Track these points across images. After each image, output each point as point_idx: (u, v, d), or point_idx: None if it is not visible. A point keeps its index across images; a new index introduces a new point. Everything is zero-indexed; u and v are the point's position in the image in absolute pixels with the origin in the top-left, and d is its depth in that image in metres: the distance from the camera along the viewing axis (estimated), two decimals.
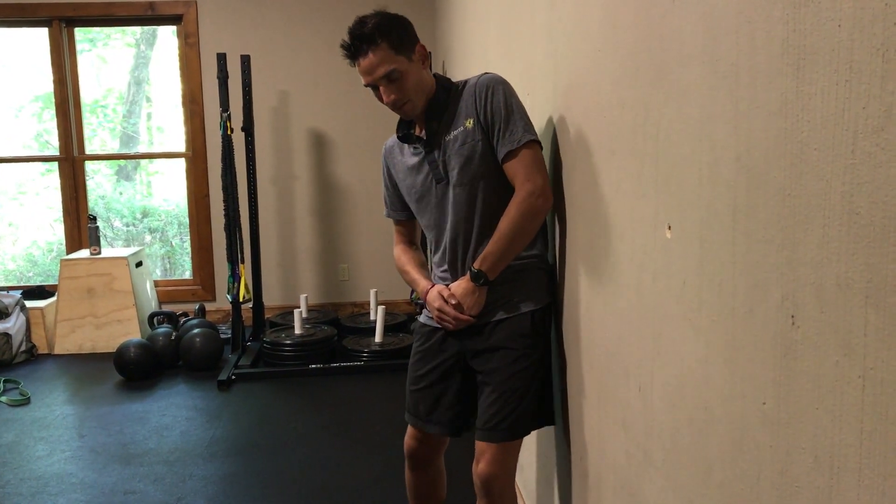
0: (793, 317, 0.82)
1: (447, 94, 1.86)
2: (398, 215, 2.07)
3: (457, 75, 4.14)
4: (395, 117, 1.95)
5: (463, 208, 1.84)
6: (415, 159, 1.92)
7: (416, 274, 2.01)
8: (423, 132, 1.88)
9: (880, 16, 0.66)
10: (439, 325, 1.91)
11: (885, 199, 0.67)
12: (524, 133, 1.75)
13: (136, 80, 6.14)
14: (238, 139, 4.84)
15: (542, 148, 1.80)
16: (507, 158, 1.76)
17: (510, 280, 1.84)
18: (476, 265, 1.79)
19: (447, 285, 1.89)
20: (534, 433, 2.29)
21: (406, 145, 1.94)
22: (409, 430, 2.06)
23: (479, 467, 1.84)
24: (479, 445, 1.85)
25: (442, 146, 1.85)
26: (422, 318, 2.02)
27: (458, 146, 1.81)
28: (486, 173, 1.81)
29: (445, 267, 1.93)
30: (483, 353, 1.86)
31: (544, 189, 1.76)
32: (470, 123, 1.79)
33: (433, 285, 1.92)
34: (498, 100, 1.76)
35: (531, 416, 1.84)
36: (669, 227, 1.16)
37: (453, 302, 1.83)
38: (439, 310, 1.86)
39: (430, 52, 1.90)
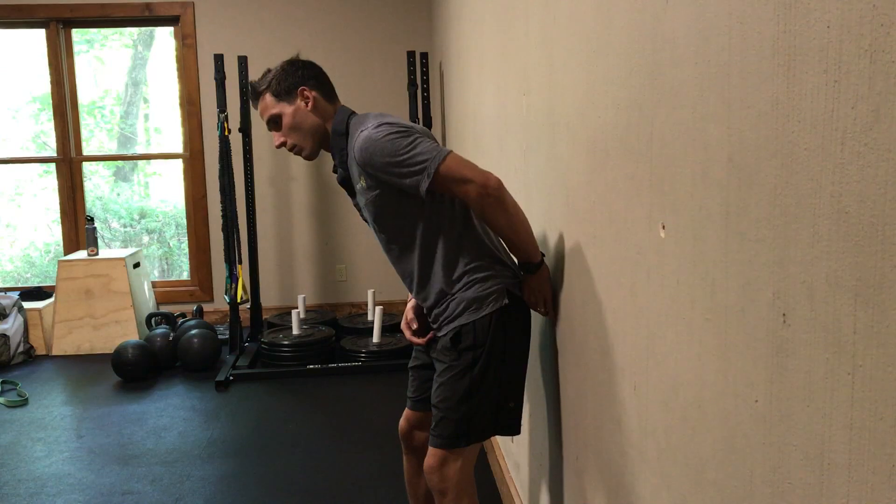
0: (784, 315, 0.83)
1: (342, 138, 1.91)
2: None
3: (453, 78, 4.15)
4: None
5: (391, 251, 1.93)
6: None
7: None
8: (339, 177, 1.98)
9: (868, 17, 0.67)
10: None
11: (873, 198, 0.67)
12: (424, 163, 1.70)
13: (133, 81, 6.14)
14: (235, 140, 4.85)
15: (448, 153, 1.72)
16: (434, 191, 1.75)
17: (444, 303, 1.87)
18: (518, 261, 1.86)
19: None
20: (528, 433, 2.30)
21: None
22: (404, 411, 2.16)
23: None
24: None
25: (355, 194, 1.93)
26: None
27: (364, 202, 1.88)
28: (397, 214, 1.84)
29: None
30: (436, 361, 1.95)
31: (482, 182, 1.71)
32: (363, 182, 1.83)
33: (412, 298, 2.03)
34: (378, 158, 1.74)
35: (464, 427, 1.83)
36: (663, 227, 1.16)
37: (415, 326, 2.00)
38: (402, 327, 2.06)
39: (313, 96, 1.97)
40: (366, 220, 1.96)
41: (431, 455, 1.88)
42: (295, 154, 1.99)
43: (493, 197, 1.72)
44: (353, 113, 1.94)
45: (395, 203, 1.81)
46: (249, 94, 2.00)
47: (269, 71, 1.97)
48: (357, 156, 1.78)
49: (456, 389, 1.81)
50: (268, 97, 1.94)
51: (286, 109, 1.92)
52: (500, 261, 1.88)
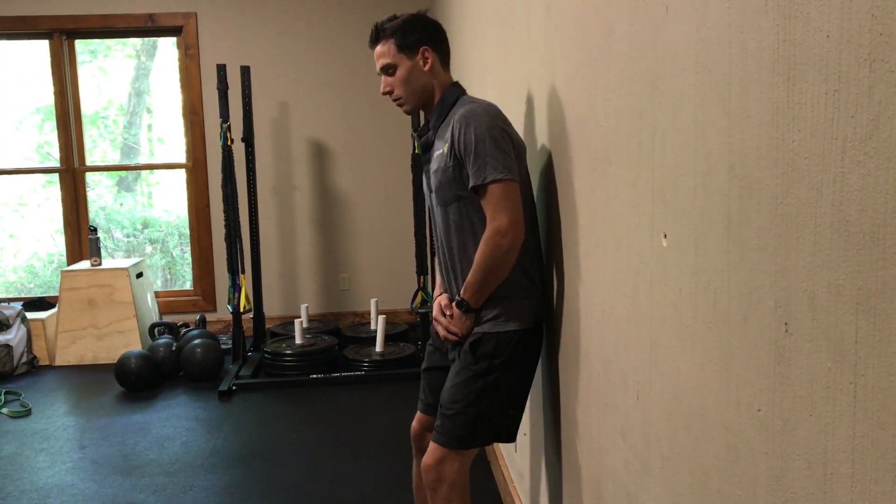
0: (786, 324, 0.83)
1: (447, 107, 1.95)
2: None
3: None
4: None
5: (443, 226, 1.95)
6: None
7: (438, 277, 2.12)
8: (424, 139, 2.01)
9: (867, 26, 0.67)
10: None
11: (873, 206, 0.68)
12: (491, 171, 1.78)
13: (136, 91, 6.16)
14: (238, 150, 4.86)
15: (514, 182, 1.79)
16: (476, 192, 1.83)
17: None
18: (461, 294, 1.87)
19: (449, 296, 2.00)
20: (531, 442, 2.30)
21: None
22: (416, 414, 2.17)
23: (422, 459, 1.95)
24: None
25: (430, 159, 1.96)
26: None
27: (434, 167, 1.92)
28: (458, 198, 1.88)
29: (442, 275, 2.05)
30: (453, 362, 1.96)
31: (511, 227, 1.78)
32: (446, 148, 1.87)
33: (442, 293, 2.04)
34: (469, 134, 1.80)
35: (470, 428, 1.86)
36: (665, 236, 1.17)
37: (448, 313, 1.93)
38: (435, 318, 1.97)
39: (433, 57, 1.99)
40: (428, 190, 2.00)
41: (431, 452, 1.90)
42: (396, 104, 2.00)
43: (505, 244, 1.79)
44: (465, 92, 1.99)
45: (460, 183, 1.86)
46: (371, 34, 1.98)
47: (395, 17, 1.97)
48: (459, 119, 1.83)
49: (469, 392, 1.85)
50: (390, 44, 1.94)
51: (404, 63, 1.94)
52: (537, 281, 1.93)
